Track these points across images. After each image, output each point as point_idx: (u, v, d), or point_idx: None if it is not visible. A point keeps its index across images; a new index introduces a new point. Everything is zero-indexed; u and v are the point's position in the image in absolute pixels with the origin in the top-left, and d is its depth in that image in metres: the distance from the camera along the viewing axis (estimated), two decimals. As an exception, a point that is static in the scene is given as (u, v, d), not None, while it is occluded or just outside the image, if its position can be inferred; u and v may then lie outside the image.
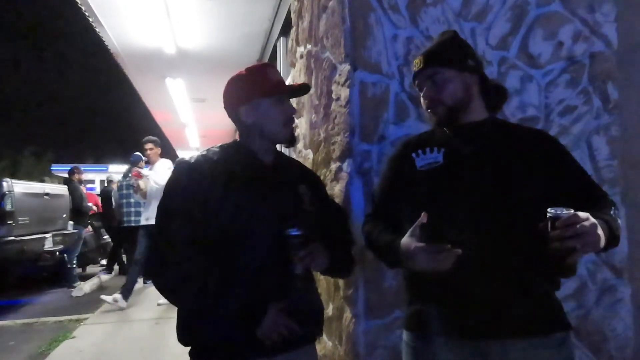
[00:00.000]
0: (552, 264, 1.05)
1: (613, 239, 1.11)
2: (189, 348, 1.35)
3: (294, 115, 1.47)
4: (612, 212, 1.20)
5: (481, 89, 1.37)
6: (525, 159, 1.27)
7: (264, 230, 1.29)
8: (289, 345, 1.29)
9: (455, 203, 1.25)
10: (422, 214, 1.16)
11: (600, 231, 1.02)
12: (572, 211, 1.01)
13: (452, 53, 1.36)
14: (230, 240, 1.28)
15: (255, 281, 1.26)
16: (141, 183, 5.53)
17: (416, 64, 1.39)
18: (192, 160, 1.36)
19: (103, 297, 5.21)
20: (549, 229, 1.02)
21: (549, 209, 1.03)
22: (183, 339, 1.33)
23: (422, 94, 1.39)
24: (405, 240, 1.19)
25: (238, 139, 1.49)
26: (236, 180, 1.32)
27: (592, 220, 1.01)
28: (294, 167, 1.57)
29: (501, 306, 1.17)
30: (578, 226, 0.99)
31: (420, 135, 1.47)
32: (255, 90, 1.40)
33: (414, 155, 1.37)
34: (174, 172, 1.37)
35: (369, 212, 1.52)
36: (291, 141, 1.46)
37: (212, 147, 1.44)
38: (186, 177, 1.32)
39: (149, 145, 5.56)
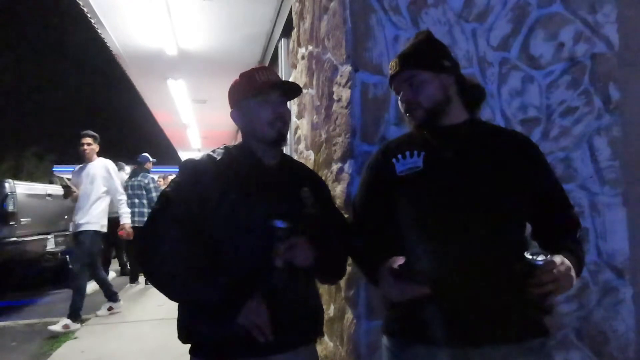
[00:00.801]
0: (532, 305, 1.13)
1: (581, 270, 1.19)
2: (189, 348, 1.35)
3: (285, 115, 1.43)
4: (577, 235, 1.27)
5: (459, 90, 1.36)
6: (505, 163, 1.27)
7: (262, 232, 1.28)
8: (287, 346, 1.29)
9: (436, 209, 1.24)
10: (399, 258, 1.20)
11: (573, 272, 1.10)
12: (548, 257, 1.07)
13: (427, 55, 1.34)
14: (227, 240, 1.28)
15: (251, 282, 1.25)
16: (70, 183, 4.94)
17: (392, 67, 1.37)
18: (197, 159, 1.39)
19: (99, 313, 4.82)
20: (527, 274, 1.07)
21: (525, 254, 1.08)
22: (182, 336, 1.34)
23: (399, 98, 1.37)
24: (381, 271, 1.24)
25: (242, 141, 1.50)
26: (237, 182, 1.33)
27: (567, 263, 1.09)
28: (298, 169, 1.55)
29: (481, 313, 1.17)
30: (555, 271, 1.05)
31: (399, 139, 1.45)
32: (241, 93, 1.43)
33: (394, 160, 1.35)
34: (179, 169, 1.40)
35: (350, 222, 1.50)
36: (277, 141, 1.42)
37: (219, 147, 1.46)
38: (189, 174, 1.35)
39: (86, 140, 4.84)
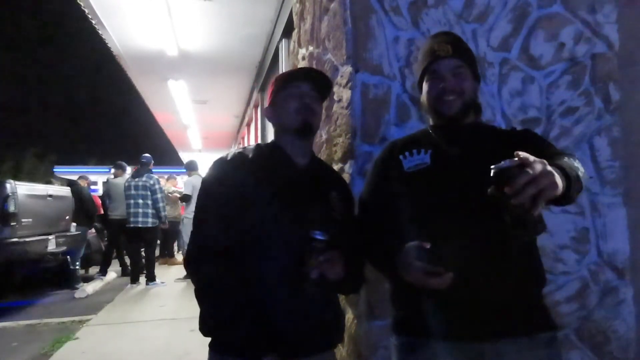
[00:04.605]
0: (517, 225, 0.94)
1: (571, 181, 1.00)
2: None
3: (312, 105, 1.39)
4: (566, 159, 1.10)
5: None
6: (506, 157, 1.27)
7: (290, 231, 1.28)
8: (310, 350, 1.28)
9: (443, 204, 1.25)
10: (425, 243, 1.14)
11: (550, 168, 0.92)
12: (516, 158, 0.92)
13: (472, 54, 1.38)
14: (257, 239, 1.27)
15: (276, 283, 1.25)
16: None
17: (443, 50, 1.31)
18: (229, 157, 1.38)
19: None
20: (499, 188, 0.92)
21: (491, 167, 0.93)
22: (203, 329, 1.32)
23: (438, 84, 1.31)
24: (405, 257, 1.17)
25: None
26: (268, 180, 1.32)
27: (540, 160, 0.91)
28: (327, 172, 1.55)
29: (493, 307, 1.17)
30: (529, 170, 0.89)
31: (406, 138, 1.46)
32: (275, 88, 1.45)
33: (401, 157, 1.36)
34: (211, 168, 1.39)
35: (358, 218, 1.48)
36: (302, 130, 1.38)
37: (249, 145, 1.47)
38: (223, 172, 1.35)
39: None
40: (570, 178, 1.00)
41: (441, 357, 1.21)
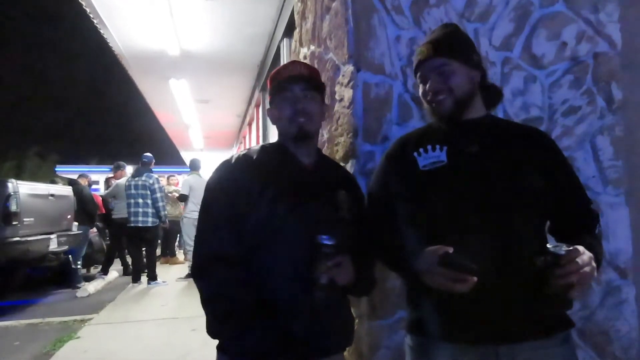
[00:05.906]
0: (552, 299, 1.11)
1: (599, 267, 1.16)
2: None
3: (307, 108, 1.37)
4: (597, 231, 1.25)
5: (481, 86, 1.35)
6: (526, 157, 1.26)
7: (298, 232, 1.26)
8: (318, 354, 1.28)
9: (462, 204, 1.23)
10: (448, 247, 1.11)
11: (594, 263, 1.07)
12: (571, 247, 1.05)
13: (459, 45, 1.33)
14: (264, 241, 1.27)
15: (286, 285, 1.25)
16: None
17: (422, 52, 1.32)
18: (233, 160, 1.37)
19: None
20: (548, 265, 1.06)
21: (548, 245, 1.06)
22: (211, 331, 1.30)
23: (426, 86, 1.32)
24: (426, 262, 1.14)
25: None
26: (274, 181, 1.30)
27: (589, 253, 1.07)
28: (336, 171, 1.52)
29: (511, 309, 1.16)
30: (579, 260, 1.03)
31: (418, 132, 1.42)
32: (271, 91, 1.43)
33: (415, 154, 1.32)
34: (215, 173, 1.37)
35: (368, 216, 1.45)
36: (299, 137, 1.37)
37: (254, 146, 1.45)
38: (227, 175, 1.34)
39: None
40: (599, 265, 1.15)
41: (454, 359, 1.20)
